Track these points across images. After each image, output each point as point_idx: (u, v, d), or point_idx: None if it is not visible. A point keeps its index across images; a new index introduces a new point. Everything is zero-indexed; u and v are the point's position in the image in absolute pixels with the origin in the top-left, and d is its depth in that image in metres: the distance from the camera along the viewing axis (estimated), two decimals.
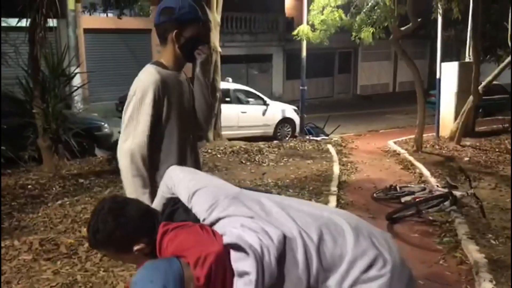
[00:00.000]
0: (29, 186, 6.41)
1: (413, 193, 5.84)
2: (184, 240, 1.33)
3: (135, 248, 1.47)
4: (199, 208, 1.40)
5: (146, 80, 2.15)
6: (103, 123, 9.20)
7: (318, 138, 11.28)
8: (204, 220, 1.38)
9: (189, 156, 2.35)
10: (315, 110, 14.95)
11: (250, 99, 11.96)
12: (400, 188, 6.11)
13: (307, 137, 11.48)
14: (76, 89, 9.01)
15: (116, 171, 3.09)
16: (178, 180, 1.54)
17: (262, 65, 21.08)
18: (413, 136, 9.79)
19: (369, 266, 1.34)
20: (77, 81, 10.00)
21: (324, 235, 1.33)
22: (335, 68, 23.17)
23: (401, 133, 11.83)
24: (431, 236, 4.74)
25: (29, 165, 7.50)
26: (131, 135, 2.13)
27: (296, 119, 12.16)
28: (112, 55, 16.97)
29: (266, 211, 1.35)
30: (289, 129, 12.17)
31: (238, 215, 1.32)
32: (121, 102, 14.48)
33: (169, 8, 2.20)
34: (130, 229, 1.47)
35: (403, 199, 5.76)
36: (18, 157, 7.38)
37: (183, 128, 2.29)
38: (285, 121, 12.13)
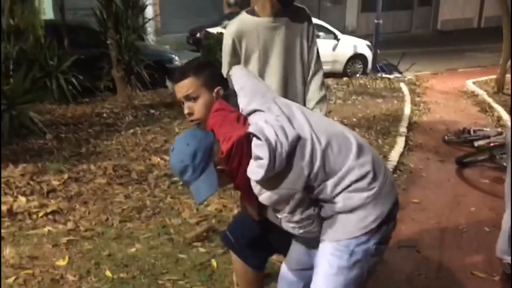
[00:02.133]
0: (104, 115, 6.78)
1: (488, 137, 5.53)
2: (223, 121, 1.60)
3: (216, 89, 1.70)
4: (241, 100, 1.67)
5: (227, 31, 2.50)
6: (174, 56, 9.34)
7: (391, 76, 10.80)
8: (242, 110, 1.65)
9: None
10: (390, 46, 14.21)
11: (320, 33, 11.51)
12: (474, 131, 5.78)
13: (379, 74, 11.02)
14: (148, 21, 9.15)
15: None
16: (235, 78, 1.78)
17: None
18: (494, 76, 9.10)
19: (361, 178, 1.60)
20: (149, 12, 10.12)
21: (332, 142, 1.60)
22: (414, 0, 21.63)
23: (482, 72, 11.01)
24: (503, 183, 4.50)
25: (104, 95, 7.89)
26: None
27: (369, 55, 11.59)
28: None
29: (291, 114, 1.62)
30: (361, 66, 11.66)
31: (268, 112, 1.59)
32: (192, 35, 14.48)
33: None
34: (218, 71, 1.83)
35: (476, 143, 5.47)
36: (95, 87, 7.77)
37: (268, 71, 2.51)
38: (357, 57, 11.59)
